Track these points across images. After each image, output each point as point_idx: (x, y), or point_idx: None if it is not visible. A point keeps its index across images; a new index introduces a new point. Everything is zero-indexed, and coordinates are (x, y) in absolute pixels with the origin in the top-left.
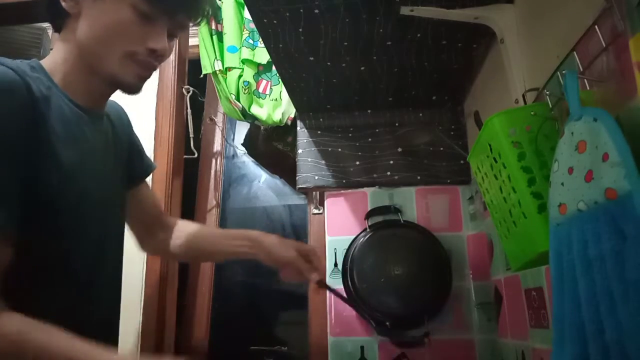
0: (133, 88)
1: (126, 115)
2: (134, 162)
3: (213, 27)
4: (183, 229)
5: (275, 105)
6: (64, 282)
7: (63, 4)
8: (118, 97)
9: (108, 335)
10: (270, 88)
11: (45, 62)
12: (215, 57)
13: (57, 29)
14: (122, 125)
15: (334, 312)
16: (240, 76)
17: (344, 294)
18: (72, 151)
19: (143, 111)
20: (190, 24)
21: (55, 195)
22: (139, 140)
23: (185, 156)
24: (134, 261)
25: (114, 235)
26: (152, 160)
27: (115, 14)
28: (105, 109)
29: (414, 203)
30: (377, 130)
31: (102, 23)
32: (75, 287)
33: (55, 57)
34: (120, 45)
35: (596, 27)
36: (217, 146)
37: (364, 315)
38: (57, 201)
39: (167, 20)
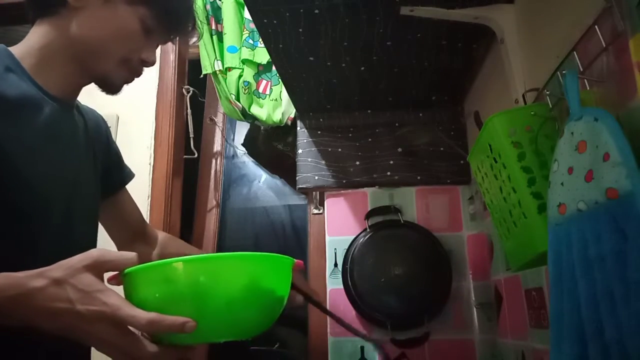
0: (117, 89)
1: (105, 124)
2: (112, 170)
3: (213, 27)
4: (164, 247)
5: (275, 105)
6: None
7: None
8: (117, 96)
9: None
10: (270, 88)
11: (16, 47)
12: (215, 57)
13: (42, 14)
14: (99, 132)
15: (334, 312)
16: (240, 76)
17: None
18: (24, 130)
19: (143, 111)
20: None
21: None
22: (118, 149)
23: (185, 156)
24: None
25: (84, 232)
26: (152, 160)
27: (124, 21)
28: (82, 111)
29: (414, 203)
30: (377, 130)
31: (109, 26)
32: None
33: (32, 42)
34: (121, 50)
35: (596, 27)
36: (217, 146)
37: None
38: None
39: (164, 37)
